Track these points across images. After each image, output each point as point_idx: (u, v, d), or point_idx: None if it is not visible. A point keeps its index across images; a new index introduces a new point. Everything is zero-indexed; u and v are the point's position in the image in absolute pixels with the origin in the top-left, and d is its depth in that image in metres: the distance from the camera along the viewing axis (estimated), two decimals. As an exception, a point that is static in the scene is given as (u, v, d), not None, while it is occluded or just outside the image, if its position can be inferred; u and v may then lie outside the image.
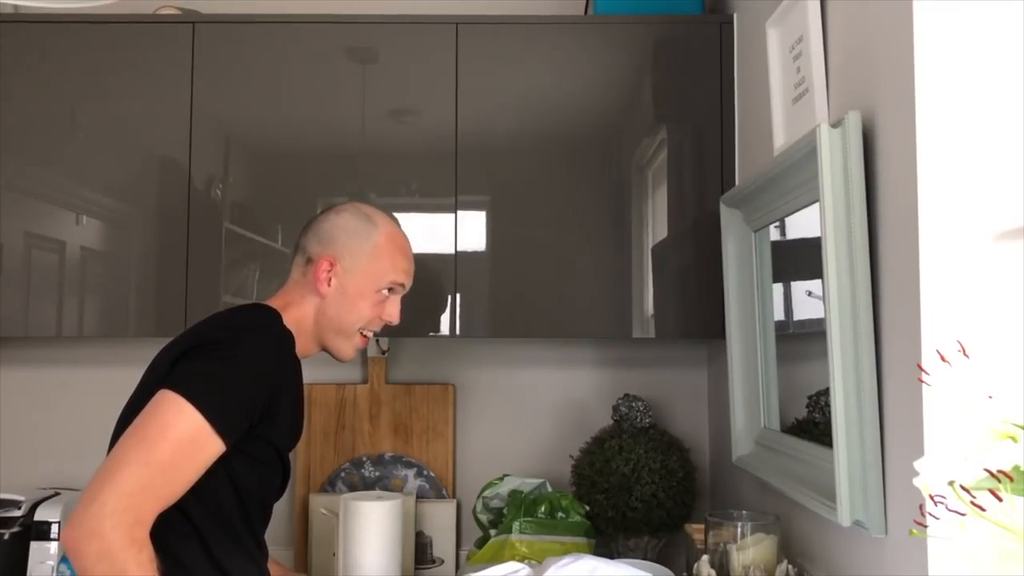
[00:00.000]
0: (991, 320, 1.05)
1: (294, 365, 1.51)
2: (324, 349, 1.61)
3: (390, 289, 1.58)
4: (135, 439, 1.30)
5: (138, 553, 1.24)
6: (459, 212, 1.98)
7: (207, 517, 1.40)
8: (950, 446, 0.64)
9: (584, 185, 1.99)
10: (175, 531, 1.36)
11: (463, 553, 2.16)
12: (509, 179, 1.99)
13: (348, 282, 1.55)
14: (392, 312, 1.60)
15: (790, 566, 1.47)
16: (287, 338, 1.50)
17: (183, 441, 1.30)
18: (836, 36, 1.40)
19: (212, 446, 1.32)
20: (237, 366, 1.38)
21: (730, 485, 2.03)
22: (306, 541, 2.16)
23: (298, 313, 1.55)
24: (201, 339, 1.42)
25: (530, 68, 1.99)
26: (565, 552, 1.77)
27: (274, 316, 1.52)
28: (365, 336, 1.61)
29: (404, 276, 1.61)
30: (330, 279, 1.55)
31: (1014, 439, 0.62)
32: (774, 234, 1.72)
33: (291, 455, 1.58)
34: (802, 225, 1.51)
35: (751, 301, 1.79)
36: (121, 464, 1.28)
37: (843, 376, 1.23)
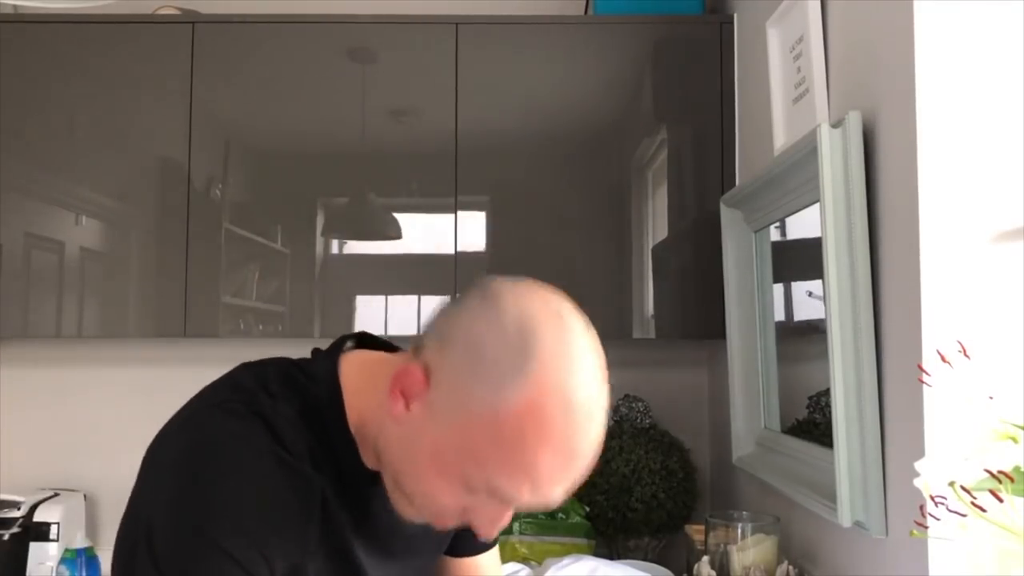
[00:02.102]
0: (991, 320, 1.04)
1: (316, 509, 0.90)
2: None
3: (480, 488, 0.84)
4: None
5: None
6: (459, 212, 1.98)
7: None
8: (950, 447, 0.64)
9: (584, 185, 1.99)
10: None
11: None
12: (509, 179, 1.99)
13: (428, 431, 0.85)
14: (483, 524, 0.88)
15: (790, 567, 1.47)
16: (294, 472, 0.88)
17: None
18: (836, 36, 1.40)
19: None
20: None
21: (730, 486, 2.02)
22: (306, 542, 2.16)
23: (366, 404, 0.92)
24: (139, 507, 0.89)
25: (530, 68, 1.99)
26: (565, 553, 1.77)
27: (271, 417, 0.89)
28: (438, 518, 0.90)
29: (514, 487, 0.83)
30: (409, 400, 0.86)
31: (1014, 439, 0.62)
32: (774, 234, 1.72)
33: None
34: (802, 225, 1.51)
35: (751, 301, 1.78)
36: None
37: (843, 376, 1.23)
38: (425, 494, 0.87)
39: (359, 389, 0.92)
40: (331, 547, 0.91)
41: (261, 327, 1.98)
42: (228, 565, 0.83)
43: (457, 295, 0.91)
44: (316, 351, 0.99)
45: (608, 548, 2.01)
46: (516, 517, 1.89)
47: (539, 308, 0.83)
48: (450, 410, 0.83)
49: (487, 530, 0.88)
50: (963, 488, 0.60)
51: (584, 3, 2.22)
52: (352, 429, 0.92)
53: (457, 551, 1.14)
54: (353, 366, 0.94)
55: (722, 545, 1.52)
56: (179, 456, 0.89)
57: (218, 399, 0.92)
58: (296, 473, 0.88)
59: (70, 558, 1.93)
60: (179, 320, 1.94)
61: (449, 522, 0.89)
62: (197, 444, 0.88)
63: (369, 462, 0.93)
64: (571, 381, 0.81)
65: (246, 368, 0.96)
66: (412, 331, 1.98)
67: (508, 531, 1.89)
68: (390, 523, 0.94)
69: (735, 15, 1.97)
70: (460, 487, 0.85)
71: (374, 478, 0.92)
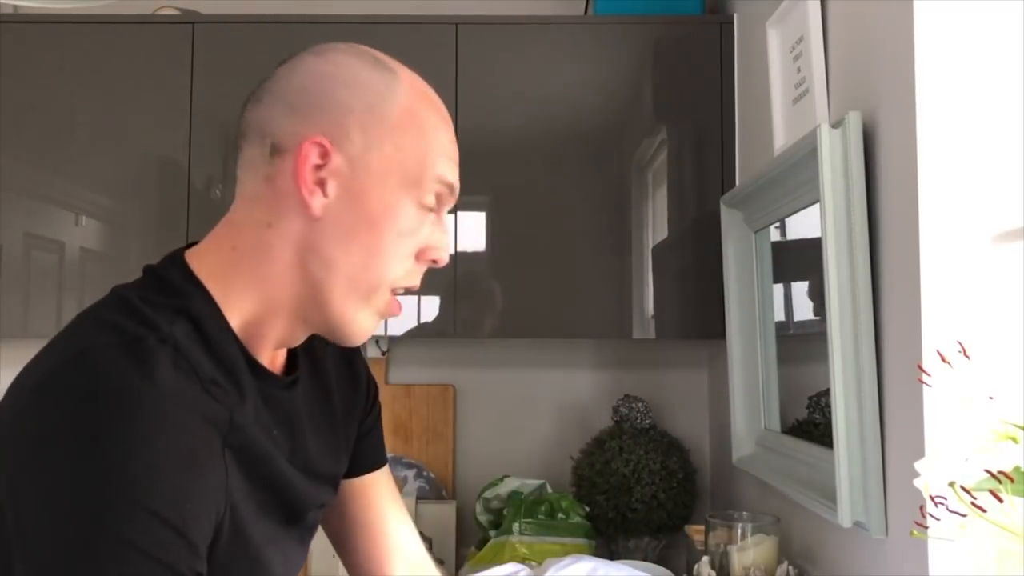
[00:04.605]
0: (991, 320, 1.04)
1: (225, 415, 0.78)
2: (316, 332, 0.89)
3: (437, 195, 0.87)
4: None
5: None
6: (459, 212, 1.97)
7: None
8: (951, 447, 0.64)
9: (584, 185, 1.99)
10: None
11: (463, 554, 2.15)
12: (509, 179, 1.99)
13: (362, 184, 0.82)
14: (443, 244, 0.88)
15: (790, 567, 1.47)
16: (196, 378, 0.76)
17: None
18: (836, 36, 1.40)
19: None
20: (130, 494, 0.69)
21: (730, 486, 2.02)
22: (306, 542, 2.16)
23: (259, 276, 0.83)
24: (30, 448, 0.71)
25: (530, 68, 1.99)
26: (565, 553, 1.76)
27: (161, 325, 0.77)
28: (396, 298, 0.88)
29: (453, 166, 0.88)
30: (324, 182, 0.81)
31: (1014, 440, 0.62)
32: (774, 234, 1.71)
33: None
34: (802, 225, 1.51)
35: (751, 301, 1.78)
36: None
37: (843, 377, 1.23)
38: (386, 265, 0.84)
39: (220, 275, 0.83)
40: (260, 478, 0.82)
41: (261, 327, 1.98)
42: (164, 530, 0.69)
43: (276, 71, 0.89)
44: (149, 268, 0.87)
45: (608, 548, 2.01)
46: (516, 518, 1.89)
47: (342, 44, 0.87)
48: (373, 144, 0.82)
49: (445, 250, 0.88)
50: (963, 488, 0.60)
51: (584, 3, 2.22)
52: (239, 335, 0.83)
53: (354, 470, 1.07)
54: (203, 268, 0.84)
55: (722, 545, 1.52)
56: (78, 406, 0.71)
57: (113, 328, 0.77)
58: (214, 405, 0.77)
59: (70, 558, 1.93)
60: (179, 320, 1.94)
61: (415, 279, 0.88)
62: (101, 389, 0.72)
63: (267, 362, 0.87)
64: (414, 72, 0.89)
65: (118, 294, 0.83)
66: (411, 331, 1.98)
67: (508, 531, 1.89)
68: (314, 431, 0.92)
69: (735, 15, 1.97)
70: (415, 214, 0.85)
71: (291, 380, 0.89)
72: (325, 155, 0.81)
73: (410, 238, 0.85)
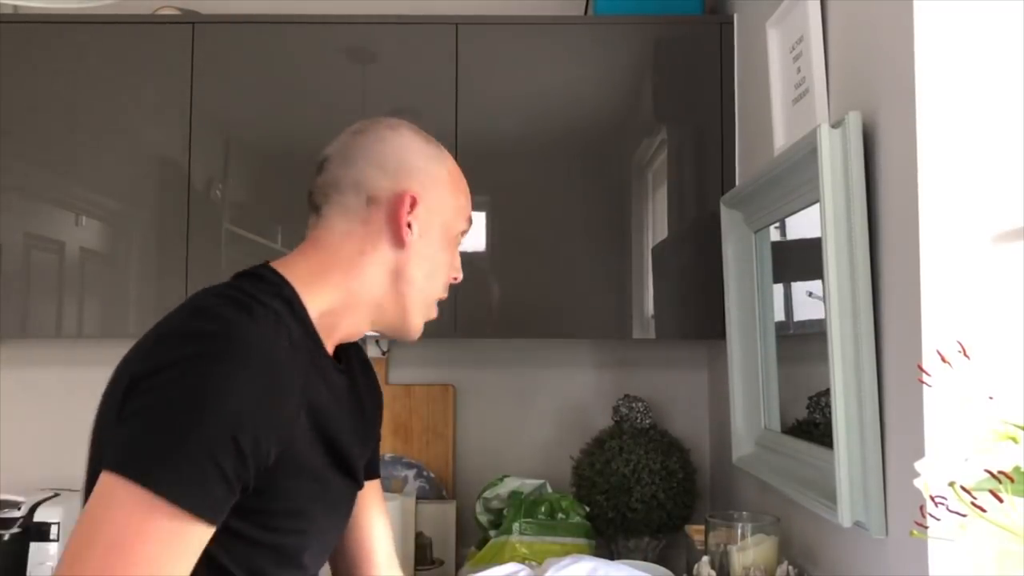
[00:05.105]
0: (991, 320, 1.04)
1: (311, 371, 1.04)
2: (377, 330, 1.18)
3: (463, 230, 1.22)
4: (88, 551, 0.88)
5: None
6: (459, 212, 1.98)
7: None
8: (951, 447, 0.64)
9: (584, 185, 1.99)
10: None
11: (463, 554, 2.16)
12: (509, 179, 1.99)
13: (432, 226, 1.14)
14: (460, 267, 1.23)
15: (790, 567, 1.47)
16: (299, 332, 1.03)
17: (151, 545, 0.88)
18: (836, 36, 1.40)
19: (193, 536, 0.90)
20: (215, 403, 0.91)
21: (730, 486, 2.02)
22: (306, 542, 2.15)
23: (345, 285, 1.10)
24: (155, 359, 0.96)
25: (530, 68, 1.99)
26: (565, 553, 1.77)
27: (270, 299, 1.02)
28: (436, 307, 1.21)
29: (470, 208, 1.23)
30: (411, 224, 1.12)
31: (1014, 440, 0.62)
32: (774, 234, 1.72)
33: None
34: (802, 225, 1.51)
35: (751, 302, 1.78)
36: None
37: (843, 377, 1.23)
38: (444, 278, 1.18)
39: (312, 282, 1.09)
40: (322, 431, 1.05)
41: (261, 327, 1.98)
42: (227, 439, 0.90)
43: (356, 138, 1.17)
44: (241, 272, 1.10)
45: (608, 548, 2.01)
46: (516, 518, 1.89)
47: (404, 121, 1.20)
48: (440, 200, 1.15)
49: (460, 271, 1.21)
50: (963, 488, 0.60)
51: (584, 3, 2.22)
52: (314, 324, 1.08)
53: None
54: (289, 272, 1.09)
55: (722, 545, 1.52)
56: (197, 341, 0.95)
57: (222, 295, 1.01)
58: (302, 361, 1.01)
59: (70, 558, 1.93)
60: (179, 320, 1.94)
61: (447, 293, 1.19)
62: (216, 328, 0.96)
63: (344, 335, 1.13)
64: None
65: (217, 284, 1.07)
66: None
67: (508, 531, 1.89)
68: (352, 418, 1.16)
69: (735, 15, 1.98)
70: (455, 243, 1.19)
71: (341, 368, 1.14)
72: (414, 204, 1.12)
73: (453, 262, 1.19)
